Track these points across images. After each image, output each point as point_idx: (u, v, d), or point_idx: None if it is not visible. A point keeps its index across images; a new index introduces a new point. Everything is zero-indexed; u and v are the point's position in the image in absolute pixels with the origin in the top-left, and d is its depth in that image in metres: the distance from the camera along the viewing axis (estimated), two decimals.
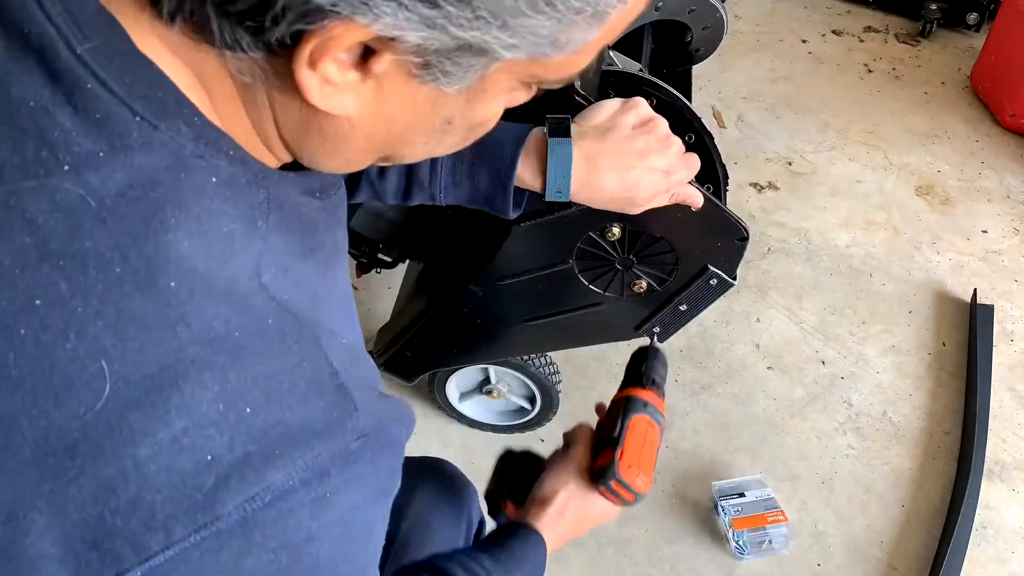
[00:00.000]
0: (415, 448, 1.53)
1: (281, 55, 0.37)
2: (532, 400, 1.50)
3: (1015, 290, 1.93)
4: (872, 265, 1.98)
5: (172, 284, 0.36)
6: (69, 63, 0.35)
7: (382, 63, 0.37)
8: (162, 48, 0.38)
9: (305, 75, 0.36)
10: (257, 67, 0.38)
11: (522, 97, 0.46)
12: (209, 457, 0.35)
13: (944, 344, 1.80)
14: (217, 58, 0.38)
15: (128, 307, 0.35)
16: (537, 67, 0.40)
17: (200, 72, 0.39)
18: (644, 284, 1.10)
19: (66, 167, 0.35)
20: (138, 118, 0.37)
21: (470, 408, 1.55)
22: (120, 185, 0.36)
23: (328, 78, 0.37)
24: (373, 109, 0.40)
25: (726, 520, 1.45)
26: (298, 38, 0.35)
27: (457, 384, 1.50)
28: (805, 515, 1.50)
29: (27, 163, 0.34)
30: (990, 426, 1.63)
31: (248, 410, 0.36)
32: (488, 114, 0.45)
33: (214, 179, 0.39)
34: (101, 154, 0.35)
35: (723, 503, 1.47)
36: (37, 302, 0.34)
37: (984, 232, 2.08)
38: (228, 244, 0.39)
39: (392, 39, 0.35)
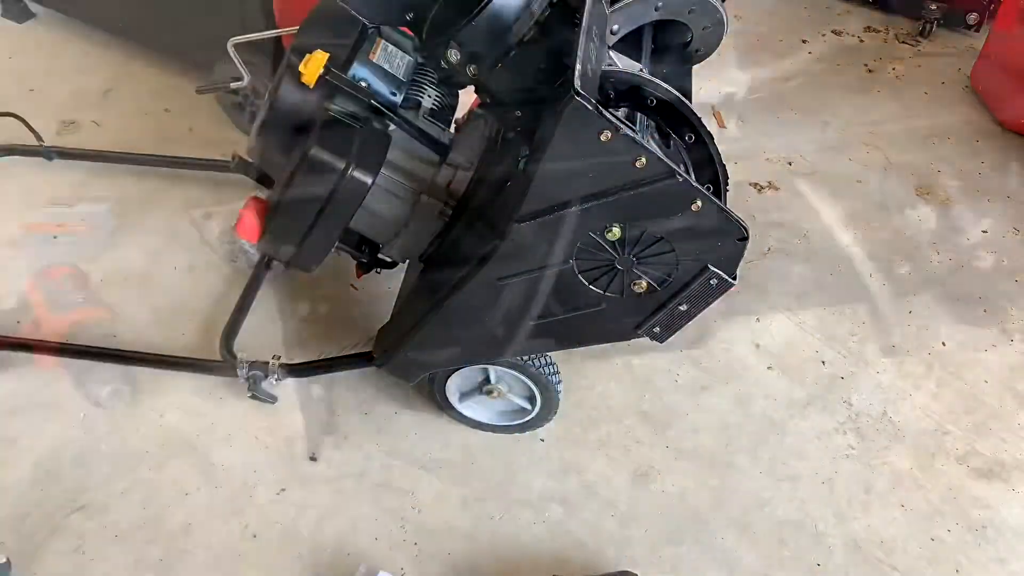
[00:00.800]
0: (415, 451, 1.54)
1: None
2: (532, 400, 1.50)
3: (1015, 290, 1.93)
4: (872, 265, 1.98)
5: None
6: None
7: None
8: None
9: None
10: None
11: None
12: None
13: (944, 344, 1.80)
14: None
15: None
16: None
17: None
18: (644, 284, 1.10)
19: None
20: None
21: (470, 408, 1.55)
22: None
23: None
24: None
25: None
26: None
27: (457, 384, 1.50)
28: (805, 515, 1.50)
29: None
30: (990, 426, 1.63)
31: None
32: None
33: None
34: None
35: None
36: None
37: (984, 232, 2.08)
38: None
39: None
